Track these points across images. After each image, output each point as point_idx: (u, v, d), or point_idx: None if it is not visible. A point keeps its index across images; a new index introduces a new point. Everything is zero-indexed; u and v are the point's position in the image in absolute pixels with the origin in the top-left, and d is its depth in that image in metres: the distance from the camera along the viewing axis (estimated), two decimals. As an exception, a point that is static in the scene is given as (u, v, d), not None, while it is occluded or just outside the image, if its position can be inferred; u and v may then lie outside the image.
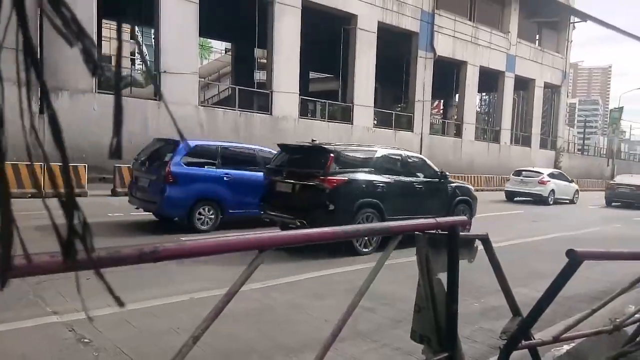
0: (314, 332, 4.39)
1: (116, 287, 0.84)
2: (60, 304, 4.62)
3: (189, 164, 8.87)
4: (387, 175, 8.50)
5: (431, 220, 2.01)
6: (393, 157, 9.05)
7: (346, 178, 7.88)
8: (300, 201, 7.98)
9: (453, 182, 9.93)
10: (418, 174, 9.21)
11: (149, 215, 9.74)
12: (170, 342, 3.99)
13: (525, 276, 6.84)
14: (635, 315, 2.90)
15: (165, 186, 8.51)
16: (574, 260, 2.07)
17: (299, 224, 7.66)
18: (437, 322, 2.14)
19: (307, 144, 8.60)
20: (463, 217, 2.12)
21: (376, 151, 8.79)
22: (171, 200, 8.57)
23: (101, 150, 14.55)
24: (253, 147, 10.45)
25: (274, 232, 1.48)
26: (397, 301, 5.41)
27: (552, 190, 20.45)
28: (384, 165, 8.64)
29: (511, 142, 32.76)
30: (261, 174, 9.11)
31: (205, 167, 9.15)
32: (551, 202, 20.31)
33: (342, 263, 6.94)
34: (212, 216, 9.09)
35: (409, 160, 9.29)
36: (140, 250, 1.21)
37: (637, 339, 3.12)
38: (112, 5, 19.85)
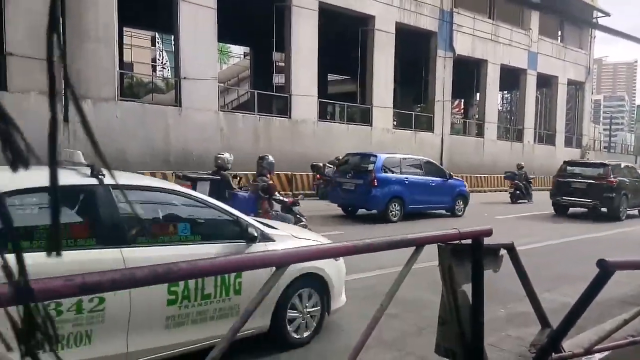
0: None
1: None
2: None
3: (384, 171, 12.10)
4: (626, 178, 15.07)
5: (453, 231, 1.94)
6: (626, 166, 16.12)
7: (618, 179, 14.53)
8: (593, 192, 14.48)
9: None
10: (635, 176, 15.69)
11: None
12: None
13: (550, 280, 6.68)
14: (672, 325, 2.77)
15: (371, 188, 11.74)
16: (605, 270, 1.98)
17: (594, 204, 14.58)
18: (462, 335, 2.07)
19: (591, 161, 16.87)
20: (487, 227, 2.05)
21: (620, 164, 15.99)
22: (376, 199, 11.82)
23: (124, 157, 14.77)
24: (419, 157, 14.06)
25: (289, 249, 1.44)
26: (421, 308, 5.32)
27: None
28: (624, 171, 15.37)
29: (535, 141, 32.13)
30: (426, 177, 12.99)
31: (393, 173, 12.28)
32: None
33: (361, 269, 6.86)
34: (398, 211, 12.13)
35: (629, 167, 16.33)
36: (154, 271, 1.19)
37: (674, 349, 2.98)
38: (132, 13, 20.23)
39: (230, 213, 3.83)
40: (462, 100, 40.40)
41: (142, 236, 3.27)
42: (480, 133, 28.72)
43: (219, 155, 8.23)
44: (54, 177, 0.59)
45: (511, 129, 32.82)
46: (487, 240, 2.14)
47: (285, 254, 1.45)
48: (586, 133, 37.14)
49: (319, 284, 4.25)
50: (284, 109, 19.89)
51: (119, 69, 16.26)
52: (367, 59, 22.51)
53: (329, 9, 20.22)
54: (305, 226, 7.99)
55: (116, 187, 3.06)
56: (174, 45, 19.56)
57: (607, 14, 35.78)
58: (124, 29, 27.41)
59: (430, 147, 24.43)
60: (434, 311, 2.46)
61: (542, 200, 17.83)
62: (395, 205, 12.09)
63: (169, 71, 43.57)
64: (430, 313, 4.93)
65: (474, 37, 26.72)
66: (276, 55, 24.59)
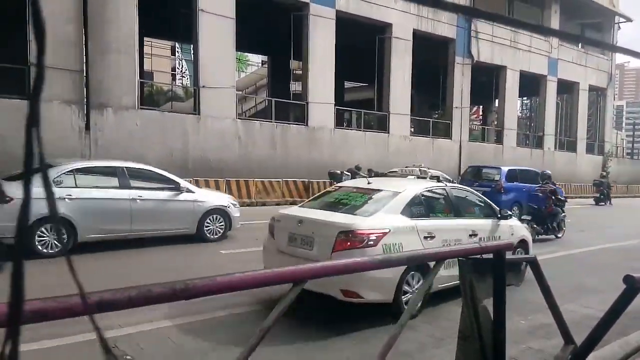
0: (355, 356, 4.29)
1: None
2: (105, 318, 4.68)
3: (508, 181, 15.23)
4: None
5: (475, 245, 1.90)
6: None
7: None
8: None
9: None
10: None
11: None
12: (209, 360, 3.99)
13: (572, 291, 6.54)
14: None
15: (500, 195, 14.32)
16: (632, 287, 1.92)
17: None
18: (483, 351, 2.02)
19: None
20: (509, 241, 2.00)
21: None
22: (503, 203, 13.16)
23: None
24: (531, 168, 16.57)
25: (307, 265, 1.43)
26: (439, 318, 5.24)
27: None
28: None
29: (555, 148, 31.60)
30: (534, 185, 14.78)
31: (514, 182, 15.09)
32: None
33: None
34: (518, 214, 13.59)
35: None
36: (172, 288, 1.18)
37: None
38: (153, 23, 20.57)
39: (489, 203, 6.75)
40: (481, 107, 39.99)
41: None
42: (499, 140, 28.38)
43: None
44: (27, 182, 0.60)
45: (531, 136, 32.35)
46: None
47: (301, 270, 1.44)
48: (608, 139, 36.40)
49: None
50: (301, 117, 19.95)
51: (140, 78, 16.51)
52: (384, 66, 22.47)
53: (346, 17, 20.27)
54: (564, 216, 11.57)
55: (453, 188, 6.47)
56: (193, 54, 19.80)
57: (629, 20, 35.19)
58: (145, 39, 27.85)
59: (448, 154, 24.21)
60: (451, 321, 2.42)
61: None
62: (515, 209, 14.53)
63: (188, 80, 44.11)
64: (446, 323, 4.86)
65: (492, 43, 26.48)
66: (294, 64, 24.74)
